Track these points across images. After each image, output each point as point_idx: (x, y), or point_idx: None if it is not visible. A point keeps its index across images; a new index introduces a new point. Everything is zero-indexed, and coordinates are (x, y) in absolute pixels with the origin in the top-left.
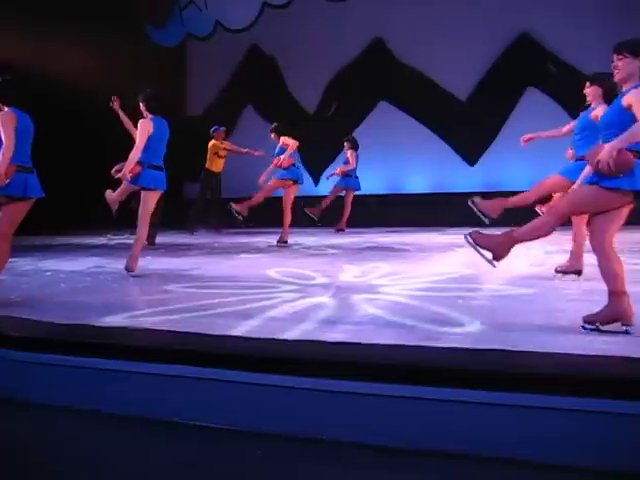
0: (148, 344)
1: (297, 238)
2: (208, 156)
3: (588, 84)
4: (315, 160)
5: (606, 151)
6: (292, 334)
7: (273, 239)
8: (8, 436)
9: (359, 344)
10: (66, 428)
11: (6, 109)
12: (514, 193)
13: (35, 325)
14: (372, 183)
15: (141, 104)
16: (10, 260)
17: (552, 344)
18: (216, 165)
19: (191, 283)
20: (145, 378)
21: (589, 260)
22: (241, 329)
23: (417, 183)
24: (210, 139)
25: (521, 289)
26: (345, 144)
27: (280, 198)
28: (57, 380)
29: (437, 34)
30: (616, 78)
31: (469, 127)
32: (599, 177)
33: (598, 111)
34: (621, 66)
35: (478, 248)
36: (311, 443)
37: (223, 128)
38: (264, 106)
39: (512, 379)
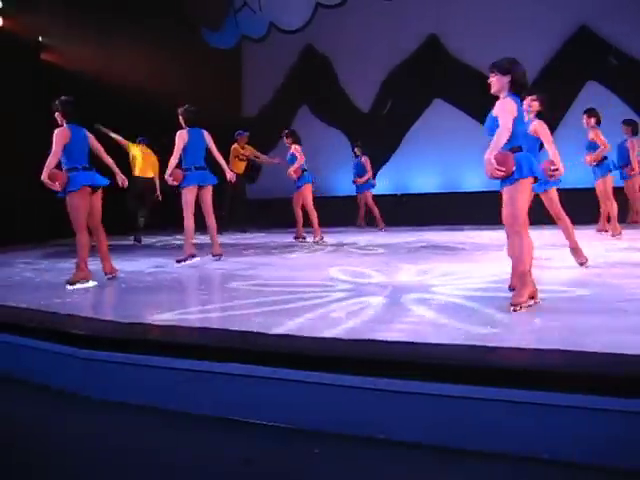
0: (209, 343)
1: (349, 238)
2: (230, 159)
3: None
4: (370, 159)
5: (486, 163)
6: (348, 333)
7: (328, 239)
8: (74, 430)
9: (417, 343)
10: (128, 425)
11: (64, 125)
12: (573, 190)
13: (99, 324)
14: (427, 181)
15: (180, 117)
16: (73, 261)
17: (616, 344)
18: (237, 167)
19: (248, 282)
20: (208, 377)
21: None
22: (296, 328)
23: (472, 181)
24: (234, 142)
25: (581, 289)
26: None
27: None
28: (119, 377)
29: (493, 29)
30: (491, 91)
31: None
32: (503, 180)
33: None
34: (494, 82)
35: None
36: (368, 442)
37: (246, 133)
38: (318, 106)
39: (574, 379)
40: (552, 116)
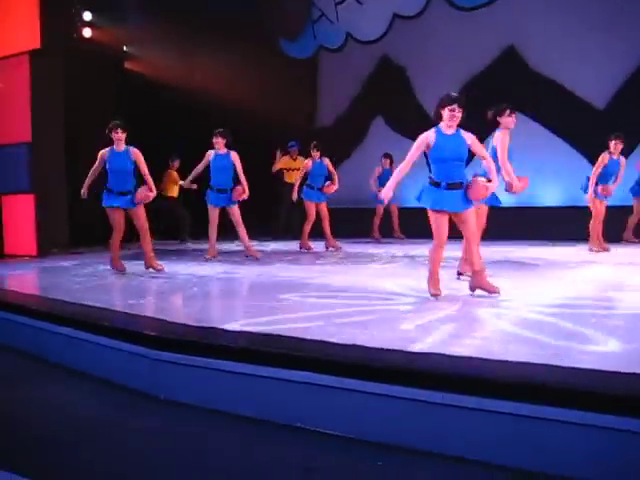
0: (273, 350)
1: (414, 249)
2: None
3: None
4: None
5: None
6: (419, 346)
7: (396, 250)
8: (133, 426)
9: (487, 360)
10: (194, 426)
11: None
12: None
13: (171, 326)
14: (504, 195)
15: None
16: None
17: None
18: (289, 177)
19: (316, 292)
20: (271, 383)
21: None
22: (364, 339)
23: (551, 196)
24: (285, 154)
25: None
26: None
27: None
28: (188, 379)
29: (572, 41)
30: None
31: (606, 138)
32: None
33: None
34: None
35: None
36: (432, 457)
37: (297, 147)
38: (394, 117)
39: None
40: (633, 131)
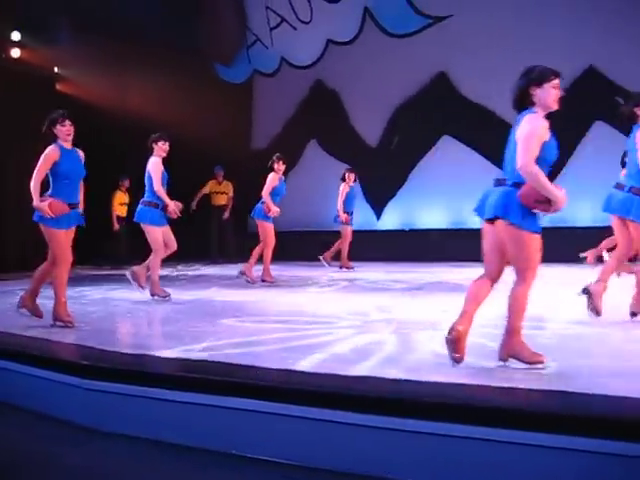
0: (209, 377)
1: (357, 274)
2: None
3: None
4: (377, 194)
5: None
6: (352, 370)
7: (334, 273)
8: (69, 460)
9: (420, 382)
10: (126, 456)
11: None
12: (578, 229)
13: (102, 354)
14: (434, 217)
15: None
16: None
17: (621, 387)
18: (216, 200)
19: (252, 317)
20: (207, 410)
21: None
22: (301, 364)
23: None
24: (211, 178)
25: (588, 329)
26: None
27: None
28: (119, 408)
29: (501, 68)
30: None
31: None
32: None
33: None
34: None
35: None
36: None
37: (222, 171)
38: (327, 140)
39: (576, 422)
40: (559, 155)
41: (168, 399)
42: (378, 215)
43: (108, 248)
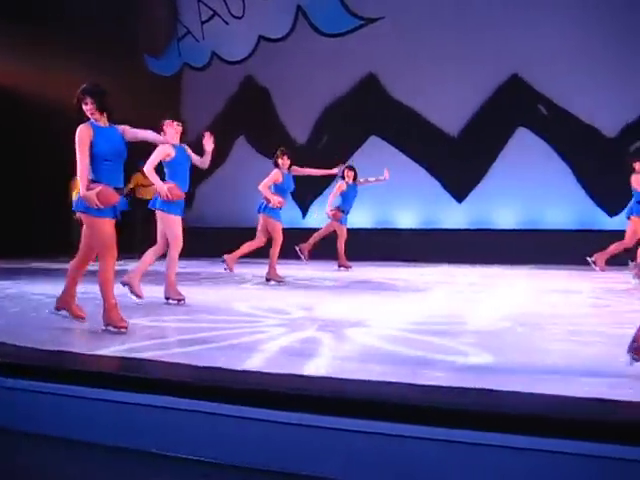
0: (131, 374)
1: (288, 271)
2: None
3: None
4: (304, 192)
5: None
6: (280, 368)
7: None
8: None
9: (345, 380)
10: (48, 457)
11: None
12: (501, 231)
13: (17, 351)
14: (361, 217)
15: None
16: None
17: (535, 384)
18: (144, 194)
19: (173, 315)
20: (123, 408)
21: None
22: (224, 361)
23: (406, 219)
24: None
25: (509, 328)
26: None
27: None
28: (36, 407)
29: (429, 72)
30: None
31: (459, 164)
32: None
33: None
34: None
35: None
36: (291, 478)
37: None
38: (256, 137)
39: (494, 419)
40: (483, 159)
41: (85, 397)
42: (304, 212)
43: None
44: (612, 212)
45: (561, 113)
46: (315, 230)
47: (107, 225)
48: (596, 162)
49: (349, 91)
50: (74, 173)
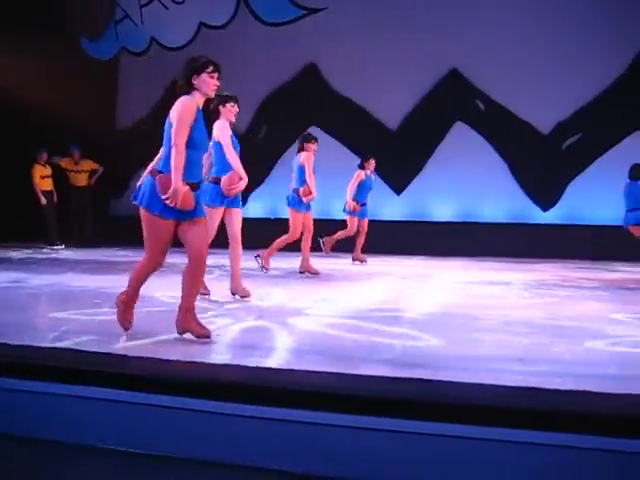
0: (71, 366)
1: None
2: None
3: None
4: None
5: None
6: (220, 358)
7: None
8: None
9: (279, 369)
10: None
11: None
12: (438, 224)
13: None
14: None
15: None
16: None
17: (470, 375)
18: (74, 179)
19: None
20: (55, 399)
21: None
22: (162, 351)
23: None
24: (66, 156)
25: (444, 318)
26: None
27: None
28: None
29: (370, 64)
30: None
31: (397, 156)
32: None
33: None
34: None
35: None
36: (234, 469)
37: (78, 150)
38: None
39: (430, 408)
40: (421, 152)
41: (16, 389)
42: (243, 203)
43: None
44: (545, 207)
45: (498, 109)
46: (255, 220)
47: (166, 227)
48: (531, 158)
49: (290, 81)
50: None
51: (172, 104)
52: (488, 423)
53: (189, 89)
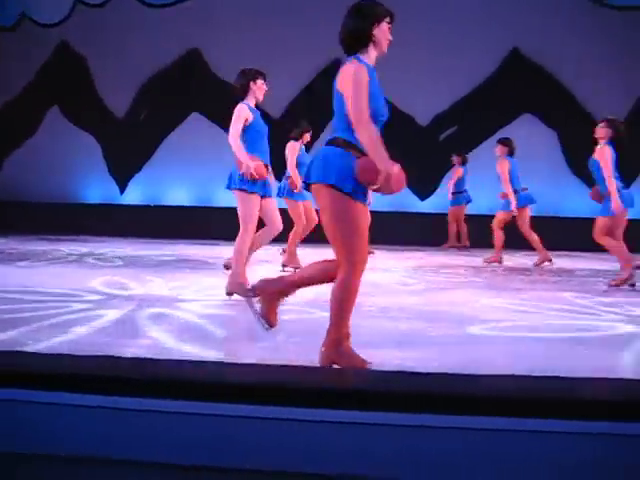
0: None
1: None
2: None
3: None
4: (121, 167)
5: None
6: (89, 349)
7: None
8: None
9: (158, 360)
10: None
11: None
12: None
13: None
14: (180, 194)
15: None
16: None
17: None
18: None
19: None
20: None
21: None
22: (43, 345)
23: (224, 197)
24: None
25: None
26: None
27: None
28: None
29: (253, 52)
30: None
31: (281, 145)
32: None
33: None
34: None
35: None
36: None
37: None
38: (70, 107)
39: (310, 395)
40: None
41: None
42: (122, 189)
43: None
44: (423, 196)
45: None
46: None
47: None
48: (410, 149)
49: (172, 65)
50: None
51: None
52: (367, 408)
53: (365, 44)
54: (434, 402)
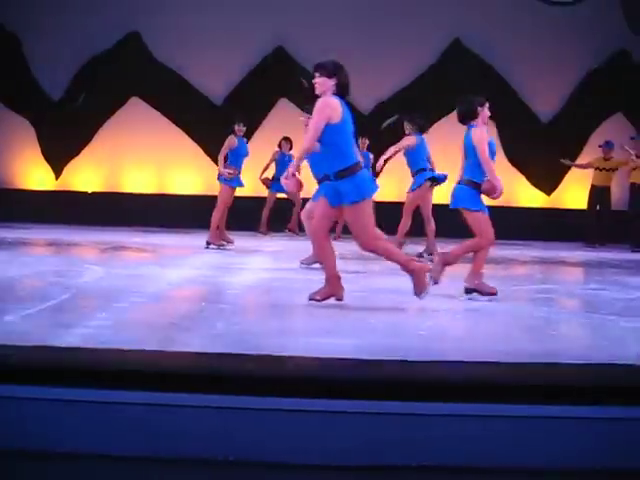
0: None
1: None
2: None
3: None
4: (58, 152)
5: None
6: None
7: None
8: None
9: (99, 349)
10: None
11: None
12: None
13: None
14: (124, 179)
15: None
16: None
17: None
18: None
19: None
20: None
21: None
22: None
23: (185, 184)
24: None
25: (263, 295)
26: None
27: None
28: None
29: (195, 35)
30: (317, 92)
31: (222, 130)
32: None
33: None
34: (319, 83)
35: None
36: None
37: None
38: (3, 91)
39: (252, 383)
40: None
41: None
42: (58, 174)
43: None
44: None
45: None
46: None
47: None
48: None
49: (110, 48)
50: None
51: None
52: (300, 395)
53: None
54: (366, 389)
